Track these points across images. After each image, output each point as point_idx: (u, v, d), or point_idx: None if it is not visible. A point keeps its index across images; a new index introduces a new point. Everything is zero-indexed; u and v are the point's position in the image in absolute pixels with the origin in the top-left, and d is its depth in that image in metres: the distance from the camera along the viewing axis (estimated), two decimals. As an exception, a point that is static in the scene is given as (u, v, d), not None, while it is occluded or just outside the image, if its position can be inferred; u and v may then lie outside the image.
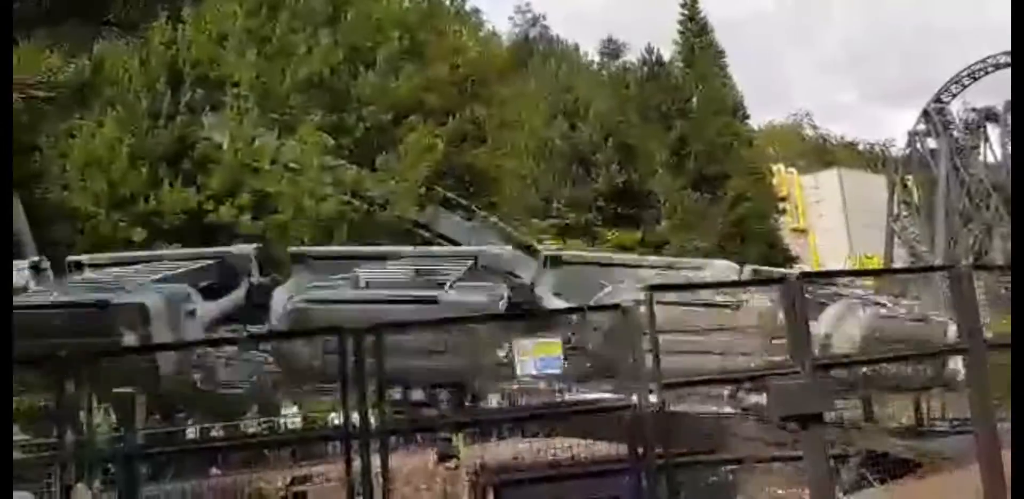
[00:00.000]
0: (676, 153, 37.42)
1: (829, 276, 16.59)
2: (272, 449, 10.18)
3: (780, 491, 12.45)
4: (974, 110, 59.53)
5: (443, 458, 13.81)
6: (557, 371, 8.65)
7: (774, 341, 8.97)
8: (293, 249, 10.80)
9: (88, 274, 10.18)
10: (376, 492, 7.46)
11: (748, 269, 10.89)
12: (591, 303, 9.39)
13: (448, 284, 9.32)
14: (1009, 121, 51.99)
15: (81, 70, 26.11)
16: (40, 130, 26.11)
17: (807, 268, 51.05)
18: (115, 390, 9.54)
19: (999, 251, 49.66)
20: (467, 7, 43.81)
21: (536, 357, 8.46)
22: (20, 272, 10.35)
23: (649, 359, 8.12)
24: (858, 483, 12.62)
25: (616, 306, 9.15)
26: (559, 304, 9.81)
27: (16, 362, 7.58)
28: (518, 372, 8.56)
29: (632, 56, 44.35)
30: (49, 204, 26.95)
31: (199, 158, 27.88)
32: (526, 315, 9.72)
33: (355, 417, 7.74)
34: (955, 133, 58.31)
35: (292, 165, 28.60)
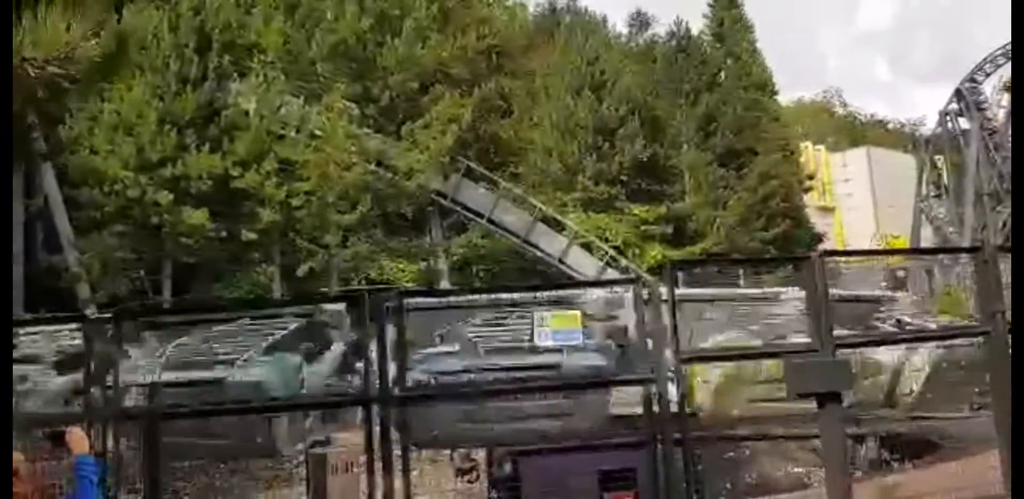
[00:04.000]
0: (702, 128, 37.13)
1: (851, 255, 16.50)
2: (292, 413, 10.32)
3: (798, 468, 12.50)
4: (1008, 89, 58.56)
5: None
6: (576, 343, 8.67)
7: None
8: None
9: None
10: (393, 456, 7.55)
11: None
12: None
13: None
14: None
15: (106, 42, 26.10)
16: (65, 105, 26.28)
17: (832, 246, 50.79)
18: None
19: (1028, 234, 49.02)
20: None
21: (554, 329, 8.50)
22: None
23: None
24: (876, 463, 12.63)
25: (637, 279, 9.18)
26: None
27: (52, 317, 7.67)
28: (536, 343, 8.60)
29: (660, 29, 44.00)
30: (78, 167, 27.20)
31: (226, 124, 27.98)
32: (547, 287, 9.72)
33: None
34: (988, 113, 57.46)
35: (317, 133, 28.66)
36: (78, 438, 4.87)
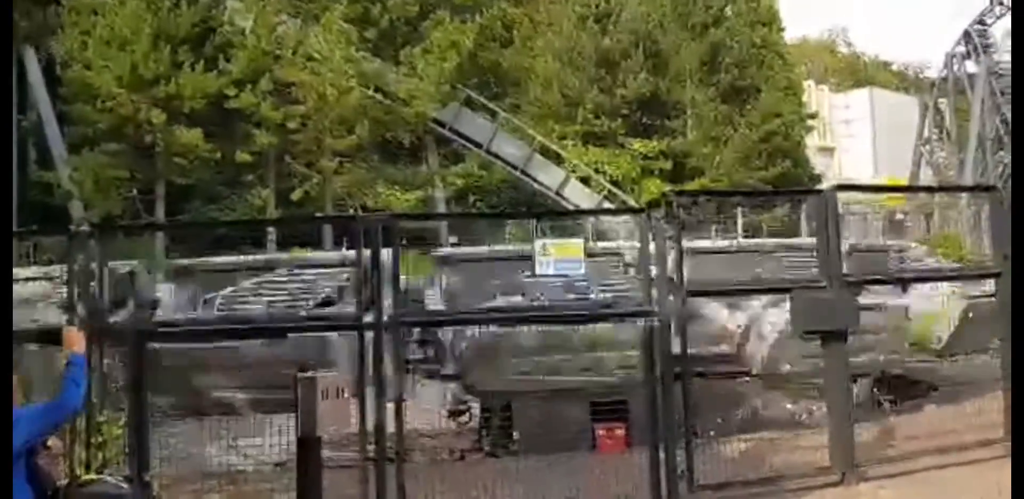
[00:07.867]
0: (707, 63, 36.46)
1: (863, 190, 16.52)
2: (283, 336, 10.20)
3: (790, 405, 12.44)
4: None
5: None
6: (578, 272, 8.47)
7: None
8: None
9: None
10: (385, 380, 7.39)
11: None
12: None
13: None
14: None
15: None
16: None
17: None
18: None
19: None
20: None
21: (556, 257, 8.26)
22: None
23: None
24: (869, 403, 12.56)
25: (641, 209, 8.92)
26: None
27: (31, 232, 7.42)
28: (537, 271, 8.39)
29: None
30: (71, 82, 26.71)
31: (221, 43, 27.34)
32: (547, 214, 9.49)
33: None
34: (995, 57, 56.59)
35: (314, 55, 27.98)
36: (74, 336, 4.65)
